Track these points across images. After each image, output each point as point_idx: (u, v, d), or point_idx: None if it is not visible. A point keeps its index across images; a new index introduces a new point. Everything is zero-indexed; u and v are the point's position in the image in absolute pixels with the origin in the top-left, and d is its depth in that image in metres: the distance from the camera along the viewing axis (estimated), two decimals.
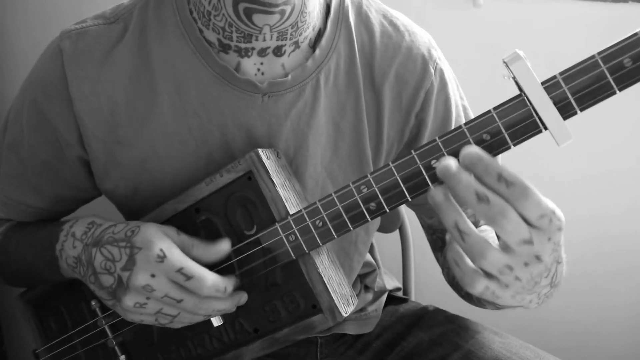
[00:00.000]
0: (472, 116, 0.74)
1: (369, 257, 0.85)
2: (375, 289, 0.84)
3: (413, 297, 0.99)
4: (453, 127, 0.70)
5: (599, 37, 1.04)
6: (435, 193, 0.44)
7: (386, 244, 0.85)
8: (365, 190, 0.52)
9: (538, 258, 0.44)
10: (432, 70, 0.67)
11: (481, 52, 1.09)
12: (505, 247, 0.44)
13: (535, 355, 0.71)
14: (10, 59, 1.15)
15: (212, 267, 0.59)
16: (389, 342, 0.80)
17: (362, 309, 0.81)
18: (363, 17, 0.67)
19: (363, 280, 0.82)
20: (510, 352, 0.72)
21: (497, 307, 0.65)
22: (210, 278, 0.54)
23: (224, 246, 0.58)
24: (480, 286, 0.44)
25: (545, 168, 1.14)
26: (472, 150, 0.43)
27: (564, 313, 1.23)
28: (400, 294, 0.92)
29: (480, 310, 1.16)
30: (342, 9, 0.66)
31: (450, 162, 0.43)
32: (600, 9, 1.04)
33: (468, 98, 0.76)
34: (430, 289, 1.04)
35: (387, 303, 0.86)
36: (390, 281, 0.89)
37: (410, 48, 0.67)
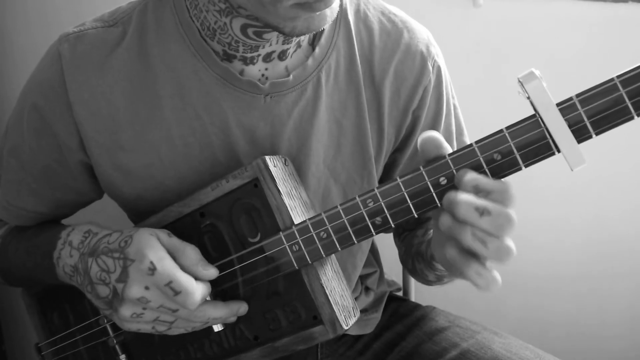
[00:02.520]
0: (461, 117, 0.74)
1: (370, 258, 0.84)
2: (376, 290, 0.84)
3: (413, 297, 0.99)
4: (442, 125, 0.70)
5: (599, 38, 1.04)
6: (444, 219, 0.45)
7: (386, 244, 0.85)
8: (371, 204, 0.51)
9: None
10: (431, 67, 0.67)
11: (481, 52, 1.08)
12: None
13: (535, 356, 0.72)
14: (9, 59, 1.14)
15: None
16: (389, 342, 0.80)
17: (362, 310, 0.81)
18: (361, 15, 0.66)
19: (364, 282, 0.82)
20: (510, 352, 0.72)
21: (438, 277, 0.69)
22: (199, 293, 0.54)
23: (211, 272, 0.56)
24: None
25: (545, 169, 1.13)
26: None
27: (564, 314, 1.23)
28: (400, 294, 0.92)
29: (480, 310, 1.18)
30: (340, 8, 0.65)
31: (449, 195, 0.45)
32: (600, 9, 1.03)
33: (466, 97, 0.75)
34: (430, 289, 1.05)
35: (387, 303, 0.86)
36: (390, 282, 0.89)
37: (409, 45, 0.66)
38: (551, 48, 1.04)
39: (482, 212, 0.43)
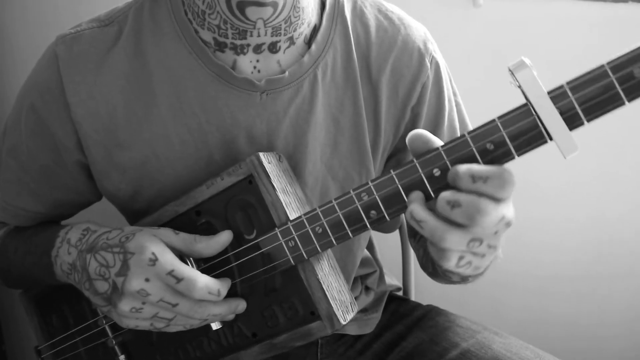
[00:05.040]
0: (465, 114, 0.74)
1: (369, 257, 0.84)
2: (376, 290, 0.84)
3: (413, 297, 0.98)
4: (445, 122, 0.70)
5: (599, 38, 1.04)
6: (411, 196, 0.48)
7: (386, 244, 0.85)
8: (365, 198, 0.51)
9: (508, 224, 0.46)
10: (428, 64, 0.67)
11: (481, 52, 1.08)
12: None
13: (535, 356, 0.71)
14: (9, 59, 1.15)
15: (212, 270, 0.59)
16: (389, 342, 0.80)
17: (362, 310, 0.81)
18: (358, 12, 0.66)
19: (364, 281, 0.82)
20: (510, 352, 0.72)
21: (463, 278, 0.68)
22: (202, 280, 0.54)
23: (225, 236, 0.58)
24: (453, 260, 0.47)
25: (545, 170, 1.13)
26: None
27: (564, 314, 1.23)
28: (400, 294, 0.92)
29: (480, 310, 1.17)
30: (337, 4, 0.65)
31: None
32: (600, 9, 1.04)
33: (467, 98, 0.75)
34: (430, 289, 1.05)
35: (387, 303, 0.85)
36: (390, 281, 0.89)
37: (406, 41, 0.66)
38: (551, 48, 1.04)
39: (453, 204, 0.44)
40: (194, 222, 0.61)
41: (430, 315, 0.82)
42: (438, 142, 0.48)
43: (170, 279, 0.53)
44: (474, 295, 1.18)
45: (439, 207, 0.45)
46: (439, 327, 0.78)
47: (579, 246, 1.18)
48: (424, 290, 1.04)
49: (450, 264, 0.47)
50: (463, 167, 0.44)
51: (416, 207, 0.46)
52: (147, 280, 0.53)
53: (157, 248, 0.54)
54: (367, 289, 0.82)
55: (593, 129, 1.03)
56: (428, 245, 0.48)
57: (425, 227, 0.46)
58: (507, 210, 0.45)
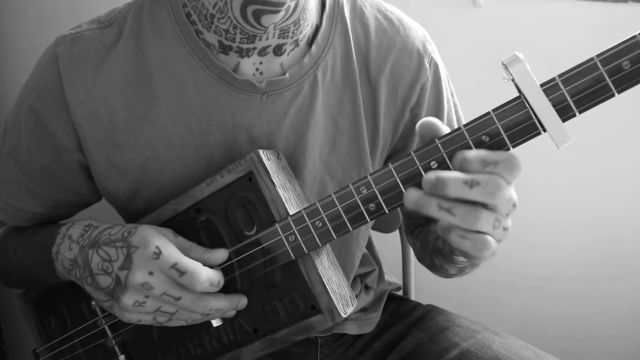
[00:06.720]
0: (462, 115, 0.75)
1: (368, 255, 0.85)
2: (376, 289, 0.84)
3: (413, 297, 0.99)
4: (444, 122, 0.71)
5: (599, 37, 1.05)
6: (411, 194, 0.47)
7: (386, 244, 0.85)
8: (364, 191, 0.52)
9: (514, 205, 0.47)
10: (427, 65, 0.68)
11: (481, 52, 1.09)
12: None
13: (535, 356, 0.72)
14: (9, 60, 1.16)
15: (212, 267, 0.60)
16: (389, 342, 0.80)
17: (362, 309, 0.81)
18: (358, 12, 0.67)
19: (363, 281, 0.82)
20: (510, 352, 0.72)
21: (460, 269, 0.67)
22: (204, 272, 0.55)
23: (221, 254, 0.58)
24: (492, 247, 0.45)
25: (546, 171, 1.14)
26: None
27: (564, 314, 1.23)
28: (400, 293, 0.92)
29: (480, 310, 1.18)
30: (337, 4, 0.66)
31: (430, 175, 0.45)
32: (600, 9, 1.05)
33: (467, 98, 0.76)
34: (430, 289, 1.05)
35: (387, 303, 0.86)
36: (390, 279, 0.89)
37: (405, 42, 0.67)
38: (551, 48, 1.05)
39: (471, 184, 0.44)
40: (193, 219, 0.61)
41: (430, 315, 0.82)
42: (445, 131, 0.49)
43: (174, 272, 0.54)
44: (474, 295, 1.18)
45: (453, 190, 0.44)
46: (438, 327, 0.79)
47: (579, 246, 1.19)
48: (424, 289, 1.04)
49: (489, 251, 0.45)
50: (471, 153, 0.45)
51: (443, 200, 0.45)
52: (150, 273, 0.54)
53: (161, 242, 0.55)
54: (366, 288, 0.83)
55: (593, 130, 1.03)
56: (459, 244, 0.46)
57: (456, 213, 0.45)
58: (513, 191, 0.46)
